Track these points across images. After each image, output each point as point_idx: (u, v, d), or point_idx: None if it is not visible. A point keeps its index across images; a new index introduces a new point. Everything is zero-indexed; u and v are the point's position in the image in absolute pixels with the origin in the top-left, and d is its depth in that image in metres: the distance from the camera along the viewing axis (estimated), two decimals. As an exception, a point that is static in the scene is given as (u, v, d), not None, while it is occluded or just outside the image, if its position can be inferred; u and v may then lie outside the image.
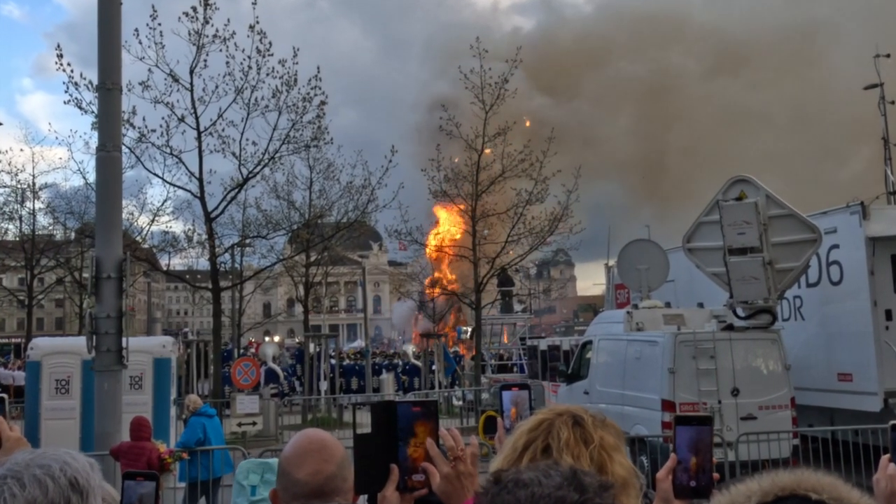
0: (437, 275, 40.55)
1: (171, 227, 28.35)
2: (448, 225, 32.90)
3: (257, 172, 22.46)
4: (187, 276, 34.11)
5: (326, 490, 1.98)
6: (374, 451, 1.65)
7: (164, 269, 31.72)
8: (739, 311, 12.82)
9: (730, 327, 12.60)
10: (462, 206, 25.21)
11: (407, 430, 1.66)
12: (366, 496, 1.74)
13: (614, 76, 61.62)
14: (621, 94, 61.42)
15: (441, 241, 30.81)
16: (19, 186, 32.84)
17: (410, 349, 35.85)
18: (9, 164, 32.33)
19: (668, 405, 12.05)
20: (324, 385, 25.72)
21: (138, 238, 28.16)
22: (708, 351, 12.17)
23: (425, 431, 1.67)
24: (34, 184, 32.95)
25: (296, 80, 21.52)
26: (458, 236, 30.27)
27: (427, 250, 31.92)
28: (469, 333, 38.55)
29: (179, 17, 20.46)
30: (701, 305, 14.01)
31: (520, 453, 1.70)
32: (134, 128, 20.73)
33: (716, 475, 1.77)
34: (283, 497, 2.02)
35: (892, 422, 1.87)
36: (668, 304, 14.43)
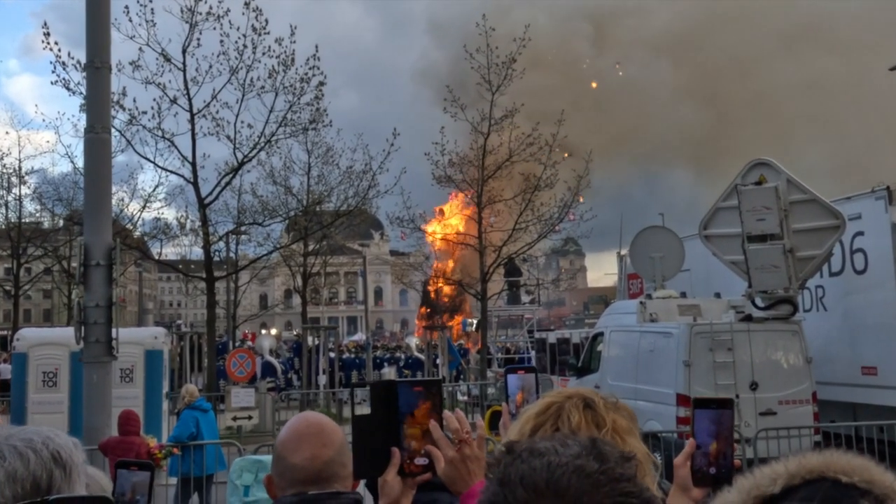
0: (438, 265, 40.55)
1: (163, 213, 28.55)
2: (454, 212, 32.86)
3: (253, 157, 22.48)
4: (180, 266, 34.22)
5: (324, 476, 1.96)
6: (374, 433, 1.63)
7: (156, 257, 31.79)
8: (758, 302, 12.78)
9: (748, 318, 12.56)
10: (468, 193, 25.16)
11: (408, 411, 1.63)
12: (365, 481, 1.72)
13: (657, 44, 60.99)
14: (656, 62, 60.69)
15: (444, 227, 30.74)
16: (5, 171, 32.93)
17: (413, 342, 35.86)
18: (-7, 148, 32.40)
19: (683, 400, 12.02)
20: (322, 379, 25.77)
21: (129, 225, 28.20)
22: (725, 343, 12.14)
23: (427, 413, 1.64)
24: (20, 169, 33.04)
25: (293, 60, 21.49)
26: (460, 227, 30.22)
27: (431, 240, 31.92)
28: (474, 326, 38.61)
29: (171, -7, 20.42)
30: (718, 295, 13.97)
31: (527, 439, 1.67)
32: (124, 109, 20.75)
33: (737, 462, 1.74)
34: (278, 483, 2.00)
35: None
36: (683, 294, 14.39)
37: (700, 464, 1.73)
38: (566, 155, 24.72)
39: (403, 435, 1.63)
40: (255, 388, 18.62)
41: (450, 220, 31.75)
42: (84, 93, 15.84)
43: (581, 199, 24.68)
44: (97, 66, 10.27)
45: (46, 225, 35.84)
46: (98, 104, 10.54)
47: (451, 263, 41.28)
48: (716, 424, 1.74)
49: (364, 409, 1.65)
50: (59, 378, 13.42)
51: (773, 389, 12.13)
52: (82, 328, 9.75)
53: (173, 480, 10.66)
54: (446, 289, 41.73)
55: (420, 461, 1.63)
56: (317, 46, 22.12)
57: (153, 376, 13.85)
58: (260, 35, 20.92)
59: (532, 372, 2.13)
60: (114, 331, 9.77)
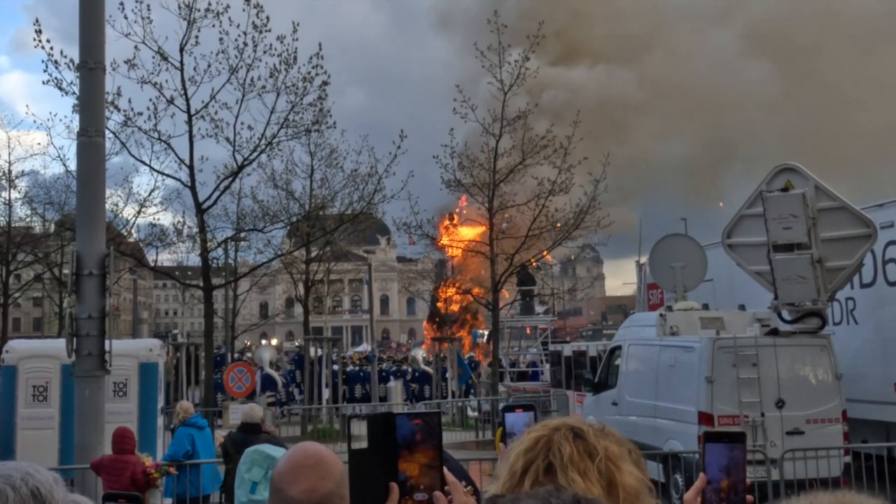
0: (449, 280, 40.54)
1: (159, 219, 28.55)
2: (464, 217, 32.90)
3: (253, 159, 22.51)
4: (177, 273, 34.27)
5: (323, 509, 1.99)
6: (371, 468, 1.66)
7: (152, 265, 31.91)
8: (785, 314, 12.75)
9: (774, 332, 12.53)
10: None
11: (406, 444, 1.66)
12: None
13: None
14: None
15: (452, 233, 30.78)
16: (-6, 174, 33.14)
17: (420, 354, 35.88)
18: (-18, 150, 32.67)
19: (705, 418, 12.01)
20: (326, 393, 25.82)
21: (123, 231, 28.36)
22: (750, 358, 12.12)
23: (427, 447, 1.67)
24: (10, 171, 33.22)
25: (295, 59, 21.56)
26: (469, 234, 30.26)
27: (444, 247, 31.91)
28: (486, 337, 38.60)
29: (168, -11, 20.54)
30: (742, 308, 13.94)
31: (519, 477, 1.69)
32: (119, 110, 20.82)
33: (749, 497, 1.77)
34: (275, 517, 2.03)
35: None
36: (705, 306, 14.36)
37: (711, 500, 1.75)
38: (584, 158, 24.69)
39: (402, 469, 1.65)
40: (254, 404, 18.68)
41: (460, 228, 31.78)
42: (77, 93, 15.96)
43: (599, 205, 24.60)
44: (91, 66, 10.37)
45: (37, 230, 36.05)
46: (91, 106, 10.64)
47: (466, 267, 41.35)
48: (727, 459, 1.77)
49: (361, 443, 1.68)
50: (50, 392, 13.49)
51: (800, 407, 12.09)
52: (74, 340, 9.83)
53: (169, 502, 10.71)
54: (456, 297, 41.72)
55: (419, 497, 1.65)
56: (320, 44, 22.19)
57: (148, 390, 13.92)
58: (261, 33, 21.00)
59: (531, 409, 2.14)
60: (107, 343, 9.85)
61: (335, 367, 27.25)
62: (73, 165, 22.35)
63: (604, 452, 1.69)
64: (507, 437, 2.08)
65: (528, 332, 37.44)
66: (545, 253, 28.03)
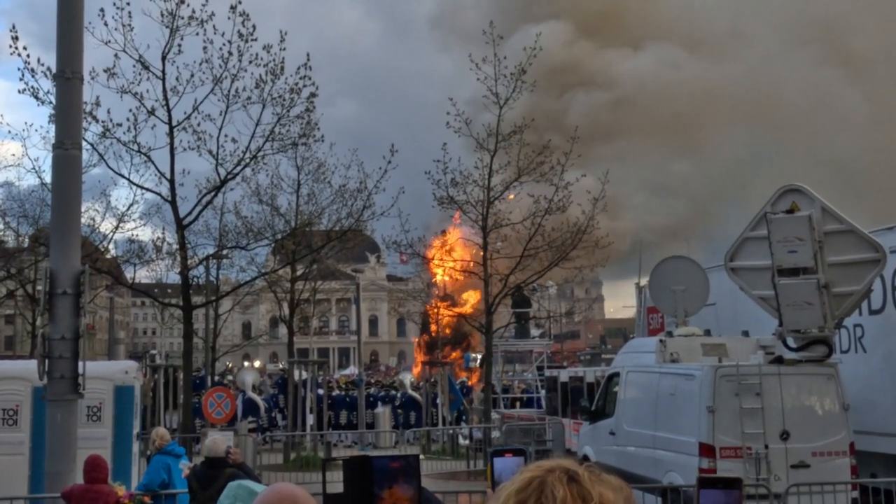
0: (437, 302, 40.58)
1: (137, 234, 28.45)
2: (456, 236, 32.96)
3: (237, 173, 22.55)
4: (155, 291, 34.23)
5: (297, 555, 1.98)
6: None
7: (130, 282, 31.81)
8: (790, 342, 12.76)
9: (779, 360, 12.53)
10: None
11: (383, 489, 1.66)
12: None
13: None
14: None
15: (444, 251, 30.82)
16: (-35, 186, 33.10)
17: (408, 379, 35.78)
18: (-46, 160, 32.61)
19: (706, 449, 11.98)
20: (310, 419, 25.71)
21: (100, 247, 28.29)
22: (753, 387, 12.11)
23: (406, 490, 1.66)
24: (-17, 183, 33.20)
25: (282, 69, 21.62)
26: (457, 254, 30.28)
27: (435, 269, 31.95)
28: (478, 361, 38.56)
29: (151, -5, 20.59)
30: (746, 334, 13.95)
31: None
32: (97, 121, 20.84)
33: None
34: (248, 562, 2.02)
35: None
36: (707, 332, 14.38)
37: None
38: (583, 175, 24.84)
39: None
40: (234, 430, 18.61)
41: (453, 246, 31.82)
42: (54, 102, 15.94)
43: (597, 224, 24.68)
44: (68, 76, 10.37)
45: (10, 244, 35.98)
46: (68, 117, 10.62)
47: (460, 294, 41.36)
48: None
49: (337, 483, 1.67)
50: (21, 416, 13.38)
51: (806, 439, 12.07)
52: (46, 362, 9.78)
53: (142, 533, 10.61)
54: (447, 319, 41.67)
55: None
56: (308, 55, 22.26)
57: (123, 415, 13.83)
58: (247, 42, 21.05)
59: (521, 454, 2.13)
60: (80, 365, 9.80)
61: (320, 391, 27.16)
62: (48, 178, 22.31)
63: (598, 499, 1.69)
64: (495, 485, 2.07)
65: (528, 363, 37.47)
66: (542, 282, 28.08)
